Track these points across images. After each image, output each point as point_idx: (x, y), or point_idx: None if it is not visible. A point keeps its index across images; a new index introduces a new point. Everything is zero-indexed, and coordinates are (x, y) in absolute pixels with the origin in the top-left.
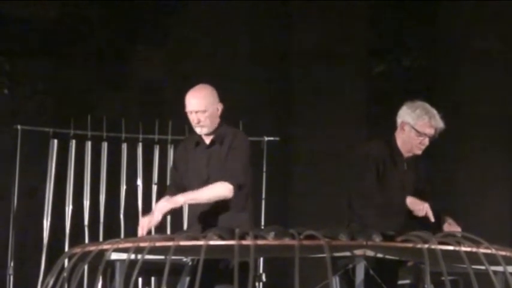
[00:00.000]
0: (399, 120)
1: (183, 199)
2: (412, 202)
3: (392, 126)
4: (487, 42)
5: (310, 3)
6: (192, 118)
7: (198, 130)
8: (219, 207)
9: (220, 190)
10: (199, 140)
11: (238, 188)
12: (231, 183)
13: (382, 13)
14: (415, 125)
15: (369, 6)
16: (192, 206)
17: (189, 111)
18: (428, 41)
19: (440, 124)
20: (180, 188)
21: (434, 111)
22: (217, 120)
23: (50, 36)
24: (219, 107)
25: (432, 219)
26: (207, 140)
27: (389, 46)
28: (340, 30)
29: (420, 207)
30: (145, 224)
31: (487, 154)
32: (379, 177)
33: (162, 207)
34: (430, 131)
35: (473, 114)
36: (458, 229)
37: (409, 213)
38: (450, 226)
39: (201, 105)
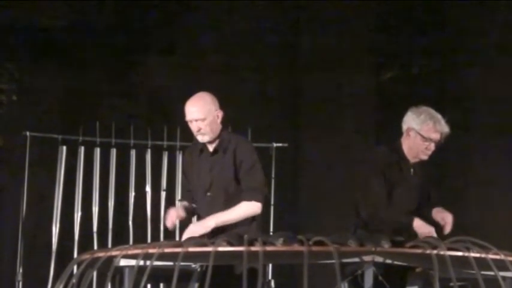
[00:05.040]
0: (404, 126)
1: (213, 222)
2: (418, 226)
3: (401, 133)
4: (498, 49)
5: (319, 9)
6: (193, 127)
7: (199, 138)
8: None
9: (250, 209)
10: (203, 147)
11: (264, 201)
12: (258, 200)
13: (390, 20)
14: (421, 130)
15: (378, 13)
16: (200, 216)
17: (188, 120)
18: (437, 48)
19: (445, 129)
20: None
21: (439, 116)
22: (219, 127)
23: (58, 44)
24: (219, 114)
25: None
26: (211, 148)
27: (398, 52)
28: (348, 37)
29: (426, 231)
30: (174, 215)
31: (496, 162)
32: (385, 184)
33: (193, 231)
34: (436, 136)
35: (483, 122)
36: (447, 214)
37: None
38: (439, 213)
39: (200, 114)
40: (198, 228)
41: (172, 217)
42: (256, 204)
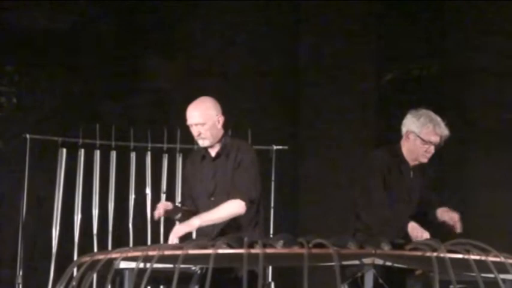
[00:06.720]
0: (404, 129)
1: (198, 222)
2: (412, 228)
3: (401, 136)
4: (499, 52)
5: (318, 13)
6: (193, 131)
7: (200, 142)
8: (229, 222)
9: (233, 208)
10: (205, 153)
11: (250, 203)
12: (243, 199)
13: (390, 22)
14: (420, 133)
15: (378, 16)
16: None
17: (188, 124)
18: (437, 50)
19: (445, 131)
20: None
21: (438, 119)
22: (220, 132)
23: (59, 47)
24: (220, 119)
25: None
26: (213, 153)
27: (398, 55)
28: (348, 39)
29: (419, 235)
30: (162, 208)
31: (496, 165)
32: (385, 187)
33: (178, 231)
34: (435, 139)
35: (483, 125)
36: (454, 214)
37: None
38: (445, 212)
39: (200, 118)
40: (183, 227)
41: (160, 210)
42: (241, 203)
